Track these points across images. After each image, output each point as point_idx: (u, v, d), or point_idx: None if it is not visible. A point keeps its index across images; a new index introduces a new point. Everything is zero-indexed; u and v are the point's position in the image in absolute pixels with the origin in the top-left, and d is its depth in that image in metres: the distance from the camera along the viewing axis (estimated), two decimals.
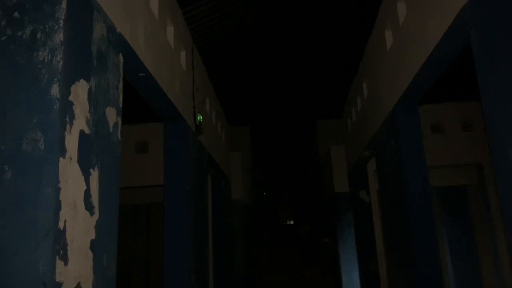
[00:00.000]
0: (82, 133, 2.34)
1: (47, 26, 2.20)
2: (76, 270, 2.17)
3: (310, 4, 8.40)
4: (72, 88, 2.26)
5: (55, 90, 2.13)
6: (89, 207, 2.37)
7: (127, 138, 6.65)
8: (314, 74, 11.17)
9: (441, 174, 8.27)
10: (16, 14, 2.22)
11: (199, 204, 5.68)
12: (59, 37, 2.19)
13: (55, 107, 2.11)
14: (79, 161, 2.28)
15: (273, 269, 18.06)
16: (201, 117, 5.72)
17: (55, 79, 2.14)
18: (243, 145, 12.48)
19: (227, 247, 8.84)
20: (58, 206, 2.03)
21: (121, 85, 3.00)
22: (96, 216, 2.45)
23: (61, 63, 2.16)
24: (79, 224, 2.23)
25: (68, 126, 2.18)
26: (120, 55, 3.03)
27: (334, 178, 10.45)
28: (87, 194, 2.36)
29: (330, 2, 8.16)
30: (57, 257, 2.00)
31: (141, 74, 3.62)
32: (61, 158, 2.09)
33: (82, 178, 2.31)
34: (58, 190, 2.04)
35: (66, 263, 2.07)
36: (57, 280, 1.98)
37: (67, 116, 2.19)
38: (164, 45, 4.24)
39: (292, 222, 33.97)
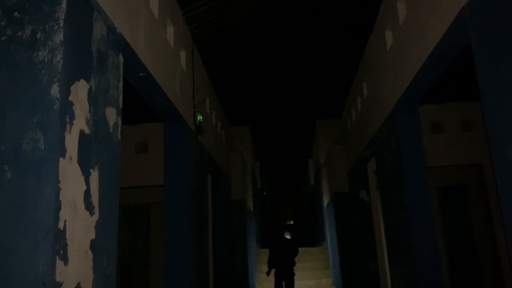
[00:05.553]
0: (82, 133, 2.34)
1: (47, 26, 2.20)
2: (76, 270, 2.17)
3: (310, 4, 8.40)
4: (72, 88, 2.26)
5: (55, 90, 2.13)
6: (89, 207, 2.37)
7: (127, 138, 6.65)
8: (314, 74, 11.17)
9: (441, 174, 8.26)
10: (16, 14, 2.22)
11: (199, 204, 5.68)
12: (59, 37, 2.19)
13: (55, 107, 2.11)
14: (79, 161, 2.28)
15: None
16: (201, 117, 5.72)
17: (55, 79, 2.14)
18: (243, 145, 12.47)
19: (227, 247, 8.84)
20: (58, 206, 2.03)
21: (121, 85, 3.00)
22: (96, 216, 2.45)
23: (61, 63, 2.16)
24: (79, 224, 2.23)
25: (68, 126, 2.18)
26: (120, 55, 3.03)
27: (334, 178, 10.45)
28: (87, 194, 2.36)
29: (331, 2, 8.16)
30: (57, 257, 2.00)
31: (141, 74, 3.62)
32: (61, 158, 2.09)
33: (82, 178, 2.31)
34: (58, 190, 2.04)
35: (66, 263, 2.07)
36: (57, 280, 1.98)
37: (67, 116, 2.19)
38: (164, 45, 4.24)
39: (292, 222, 33.99)
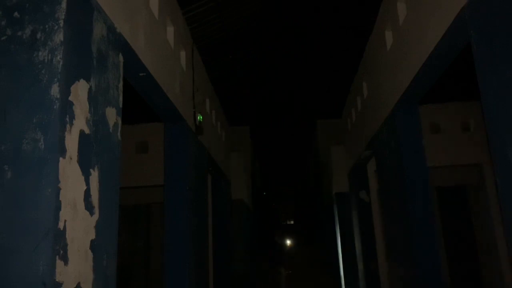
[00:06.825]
0: (82, 133, 2.33)
1: (47, 26, 2.20)
2: (76, 270, 2.17)
3: (310, 4, 8.41)
4: (72, 88, 2.26)
5: (55, 90, 2.13)
6: (89, 207, 2.37)
7: (127, 138, 6.64)
8: (314, 74, 11.18)
9: (441, 174, 8.26)
10: (16, 14, 2.22)
11: (199, 204, 5.67)
12: (59, 37, 2.19)
13: (55, 107, 2.11)
14: (79, 161, 2.27)
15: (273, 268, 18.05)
16: (201, 117, 5.72)
17: (55, 79, 2.14)
18: (243, 145, 12.47)
19: (227, 247, 8.84)
20: (58, 206, 2.03)
21: (121, 85, 3.00)
22: (96, 216, 2.45)
23: (61, 63, 2.16)
24: (79, 224, 2.23)
25: (68, 126, 2.18)
26: (120, 55, 3.03)
27: (334, 178, 10.45)
28: (87, 194, 2.36)
29: (331, 2, 8.17)
30: (57, 257, 2.00)
31: (141, 74, 3.62)
32: (61, 158, 2.09)
33: (82, 178, 2.31)
34: (58, 190, 2.04)
35: (66, 263, 2.07)
36: (57, 280, 1.98)
37: (67, 116, 2.19)
38: (164, 45, 4.24)
39: (292, 222, 34.05)
